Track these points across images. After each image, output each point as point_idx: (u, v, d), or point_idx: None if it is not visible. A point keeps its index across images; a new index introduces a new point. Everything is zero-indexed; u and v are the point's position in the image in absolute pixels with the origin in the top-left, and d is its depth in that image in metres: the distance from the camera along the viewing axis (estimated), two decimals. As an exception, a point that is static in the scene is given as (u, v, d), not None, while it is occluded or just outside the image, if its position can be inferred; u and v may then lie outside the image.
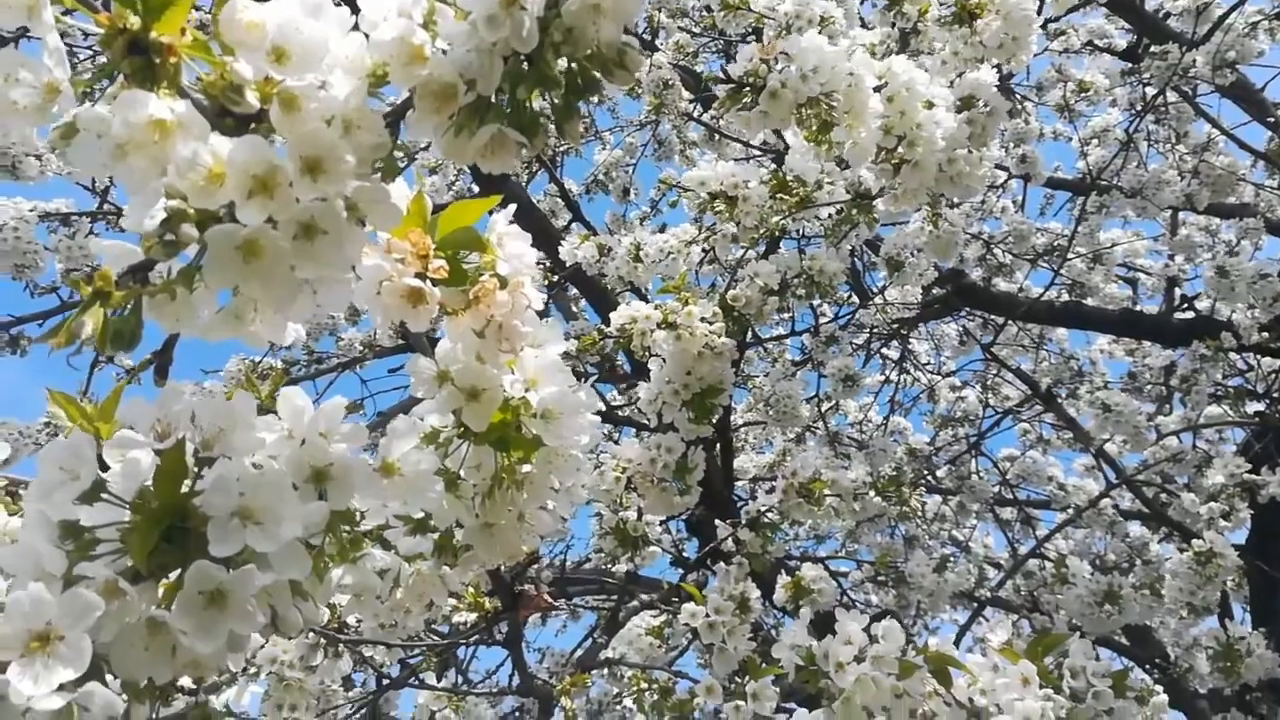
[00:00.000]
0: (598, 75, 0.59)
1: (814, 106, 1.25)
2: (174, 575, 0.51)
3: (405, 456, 0.62)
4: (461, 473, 0.72)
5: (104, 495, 0.49)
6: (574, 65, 0.58)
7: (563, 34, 0.54)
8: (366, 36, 0.54)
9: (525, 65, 0.57)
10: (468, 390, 0.68)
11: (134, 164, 0.44)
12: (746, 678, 1.39)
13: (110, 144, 0.44)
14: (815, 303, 3.23)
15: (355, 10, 0.55)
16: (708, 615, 1.55)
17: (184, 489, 0.50)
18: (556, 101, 0.60)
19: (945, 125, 1.38)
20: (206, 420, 0.51)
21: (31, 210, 2.69)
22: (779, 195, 1.71)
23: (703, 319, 1.61)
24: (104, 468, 0.65)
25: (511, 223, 0.70)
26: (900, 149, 1.36)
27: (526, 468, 0.73)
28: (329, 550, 0.60)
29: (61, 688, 0.43)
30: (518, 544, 0.78)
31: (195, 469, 0.51)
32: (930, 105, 1.36)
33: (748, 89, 1.26)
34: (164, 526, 0.49)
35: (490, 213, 0.69)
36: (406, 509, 0.69)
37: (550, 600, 1.22)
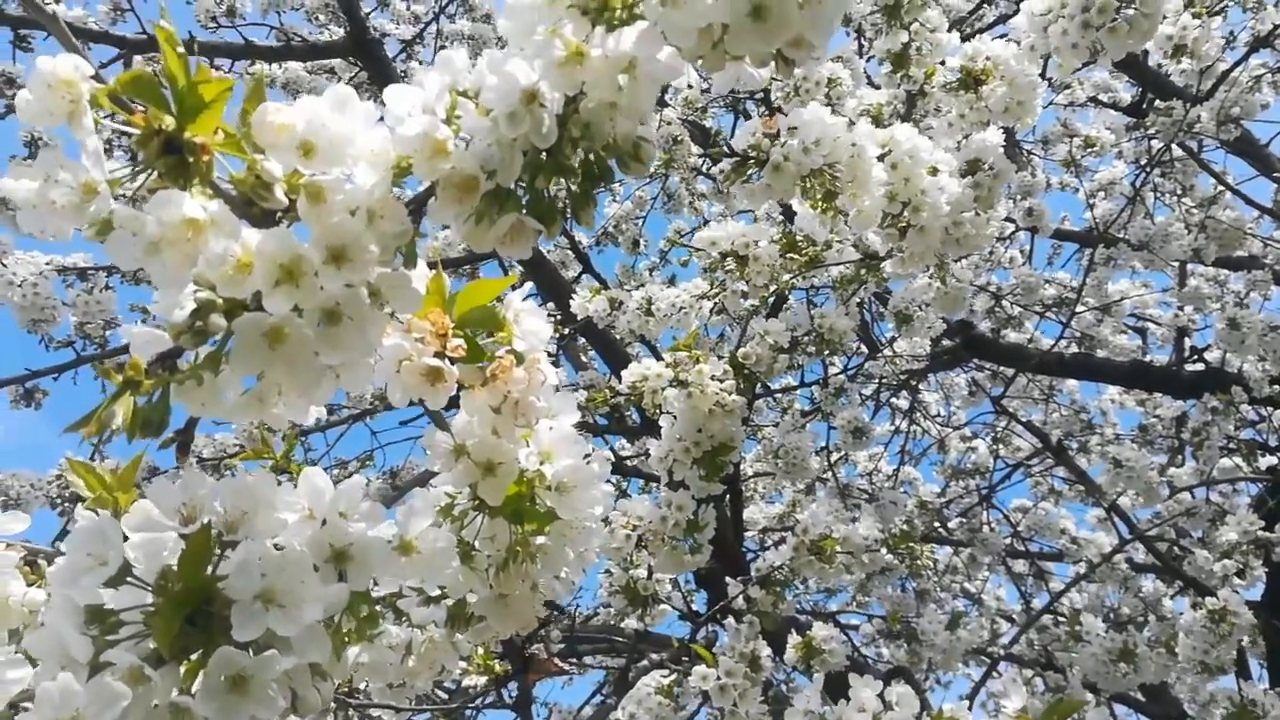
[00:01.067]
0: (612, 165, 0.60)
1: (818, 177, 1.27)
2: (195, 656, 0.52)
3: (423, 534, 0.62)
4: (476, 544, 0.72)
5: (129, 578, 0.50)
6: (590, 155, 0.60)
7: (580, 129, 0.56)
8: (391, 130, 0.55)
9: (543, 156, 0.59)
10: (484, 464, 0.69)
11: (167, 259, 0.46)
12: (758, 742, 1.38)
13: (144, 241, 0.45)
14: (825, 355, 3.24)
15: (381, 104, 0.57)
16: (719, 678, 1.54)
17: (207, 571, 0.51)
18: (573, 189, 0.61)
19: (949, 190, 1.40)
20: (230, 503, 0.52)
21: (48, 264, 2.73)
22: (789, 255, 1.72)
23: (713, 377, 1.62)
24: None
25: (527, 299, 0.72)
26: (905, 214, 1.38)
27: (541, 539, 0.74)
28: (345, 628, 0.60)
29: (86, 776, 0.43)
30: (531, 614, 0.78)
31: (217, 551, 0.52)
32: (935, 171, 1.39)
33: (751, 162, 1.28)
34: (188, 610, 0.49)
35: (506, 290, 0.70)
36: (423, 584, 0.69)
37: (560, 665, 1.22)
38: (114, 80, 0.43)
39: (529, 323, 0.69)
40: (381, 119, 0.55)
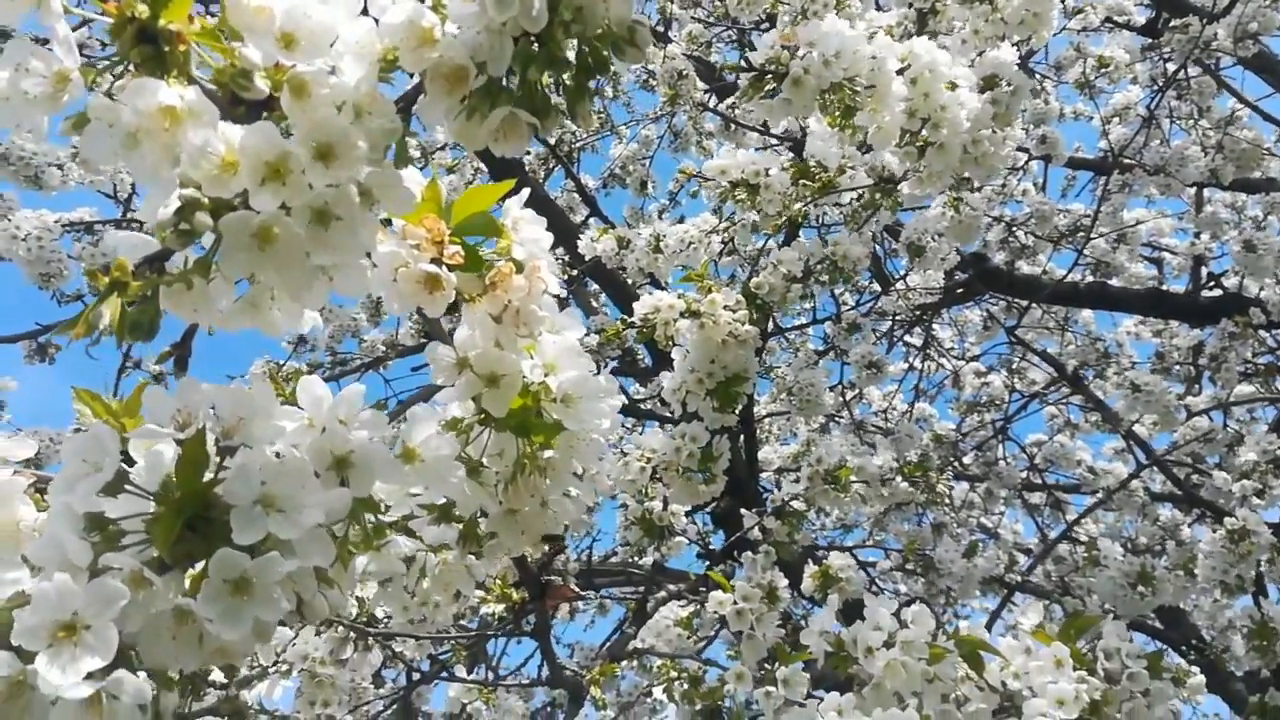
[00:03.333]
0: (608, 54, 0.58)
1: (837, 92, 1.24)
2: (199, 565, 0.51)
3: (426, 442, 0.61)
4: (484, 460, 0.72)
5: (128, 487, 0.49)
6: (584, 45, 0.58)
7: (572, 12, 0.54)
8: (375, 21, 0.53)
9: (535, 46, 0.56)
10: (487, 376, 0.68)
11: (145, 152, 0.44)
12: (776, 664, 1.39)
13: (121, 133, 0.44)
14: (837, 290, 3.21)
15: (364, -5, 0.54)
16: (735, 603, 1.54)
17: (206, 478, 0.50)
18: (568, 82, 0.59)
19: (970, 106, 1.37)
20: (226, 410, 0.51)
21: (56, 221, 2.72)
22: (801, 182, 1.69)
23: (726, 306, 1.60)
24: (129, 462, 0.65)
25: (526, 207, 0.70)
26: (925, 131, 1.35)
27: (548, 453, 0.73)
28: (353, 538, 0.60)
29: (89, 676, 0.43)
30: (542, 529, 0.78)
31: (217, 459, 0.51)
32: (954, 86, 1.35)
33: (769, 77, 1.24)
34: (187, 516, 0.49)
35: (504, 198, 0.68)
36: (429, 496, 0.68)
37: (577, 590, 1.22)
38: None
39: (528, 230, 0.67)
40: (365, 10, 0.53)
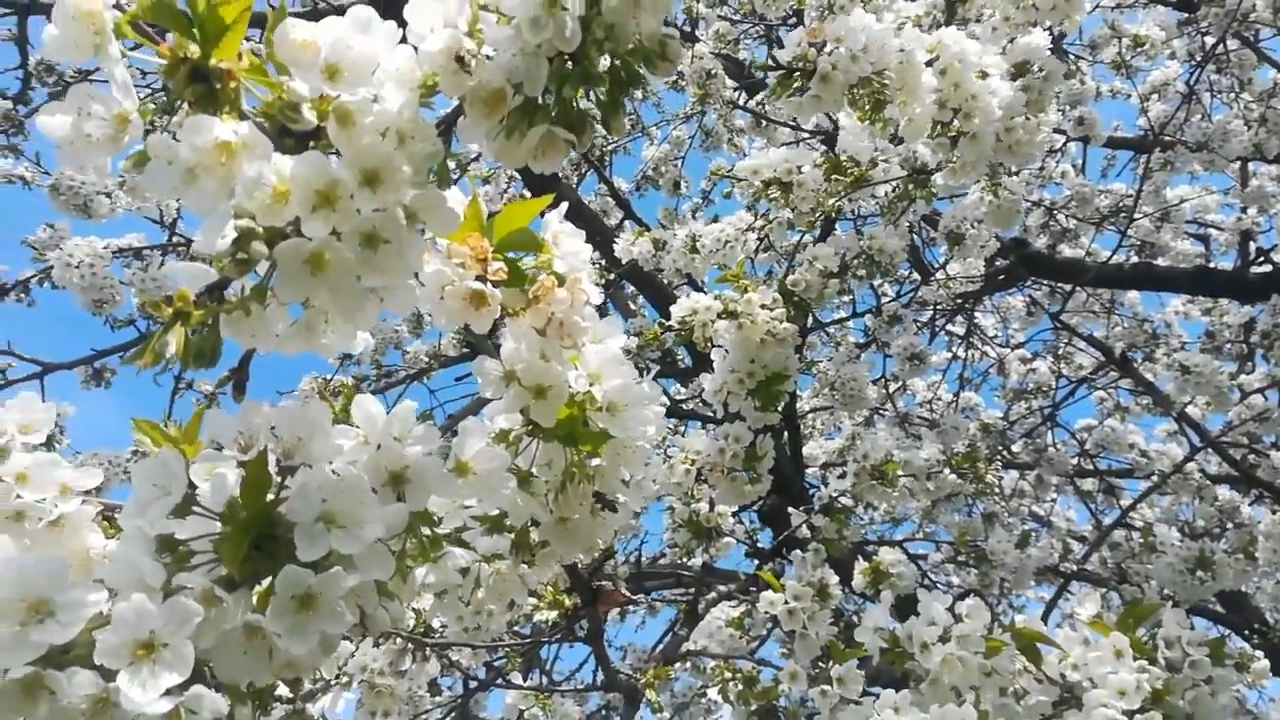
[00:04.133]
0: (640, 68, 0.59)
1: (866, 86, 1.24)
2: (266, 582, 0.53)
3: (477, 455, 0.63)
4: (533, 470, 0.73)
5: (195, 509, 0.51)
6: (616, 60, 0.59)
7: (604, 30, 0.55)
8: (415, 48, 0.55)
9: (569, 64, 0.58)
10: (534, 388, 0.69)
11: (203, 186, 0.46)
12: (830, 662, 1.39)
13: (180, 169, 0.46)
14: (876, 282, 3.19)
15: (403, 24, 0.56)
16: (787, 602, 1.54)
17: (269, 498, 0.52)
18: (602, 97, 0.60)
19: (1001, 94, 1.36)
20: (286, 431, 0.53)
21: (105, 247, 2.79)
22: (834, 177, 1.69)
23: (763, 306, 1.60)
24: (192, 488, 0.68)
25: (565, 221, 0.71)
26: (956, 122, 1.34)
27: (596, 461, 0.74)
28: (410, 551, 0.61)
29: (168, 693, 0.45)
30: (593, 537, 0.79)
31: (278, 478, 0.53)
32: (984, 75, 1.34)
33: (798, 74, 1.25)
34: (253, 535, 0.50)
35: (543, 213, 0.70)
36: (482, 508, 0.70)
37: (628, 594, 1.23)
38: (135, 6, 0.43)
39: (568, 243, 0.68)
40: (404, 39, 0.55)
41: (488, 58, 0.55)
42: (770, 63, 1.30)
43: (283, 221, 0.51)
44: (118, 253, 2.86)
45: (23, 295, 2.94)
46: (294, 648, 0.48)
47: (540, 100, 0.58)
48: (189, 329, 0.49)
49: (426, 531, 0.61)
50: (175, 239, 3.02)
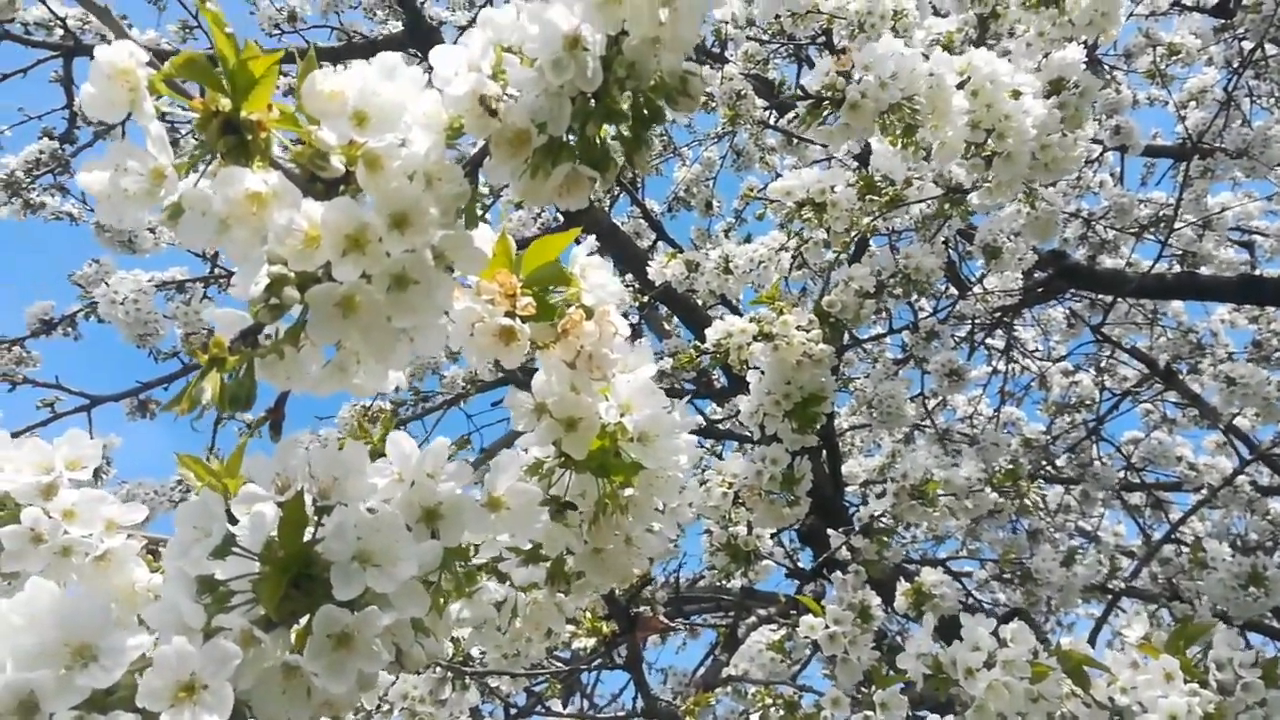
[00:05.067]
0: (662, 105, 0.60)
1: (896, 112, 1.23)
2: (304, 621, 0.54)
3: (510, 489, 0.63)
4: (566, 499, 0.73)
5: (235, 549, 0.52)
6: (639, 96, 0.59)
7: (626, 69, 0.56)
8: (440, 92, 0.56)
9: (592, 102, 0.58)
10: (565, 420, 0.69)
11: (236, 235, 0.47)
12: (873, 688, 1.37)
13: (214, 219, 0.47)
14: (913, 298, 3.16)
15: (429, 68, 0.57)
16: (828, 627, 1.53)
17: (306, 538, 0.53)
18: (625, 133, 0.61)
19: (1035, 113, 1.35)
20: (322, 471, 0.54)
21: (149, 281, 2.85)
22: (868, 196, 1.68)
23: (799, 327, 1.60)
24: (233, 521, 0.69)
25: (592, 253, 0.71)
26: (990, 142, 1.33)
27: (629, 491, 0.74)
28: (445, 586, 0.62)
29: (209, 733, 0.45)
30: (628, 567, 0.79)
31: (315, 517, 0.54)
32: (1017, 94, 1.33)
33: (826, 103, 1.25)
34: (291, 575, 0.51)
35: (573, 244, 0.70)
36: (517, 539, 0.70)
37: (666, 621, 1.23)
38: (168, 64, 0.45)
39: (595, 276, 0.69)
40: (430, 82, 0.56)
41: (511, 99, 0.56)
42: (799, 91, 1.31)
43: (314, 266, 0.52)
44: (160, 286, 2.93)
45: (70, 330, 3.01)
46: (332, 687, 0.49)
47: (564, 138, 0.59)
48: (224, 374, 0.50)
49: (460, 566, 0.62)
50: (216, 271, 3.08)
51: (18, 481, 0.82)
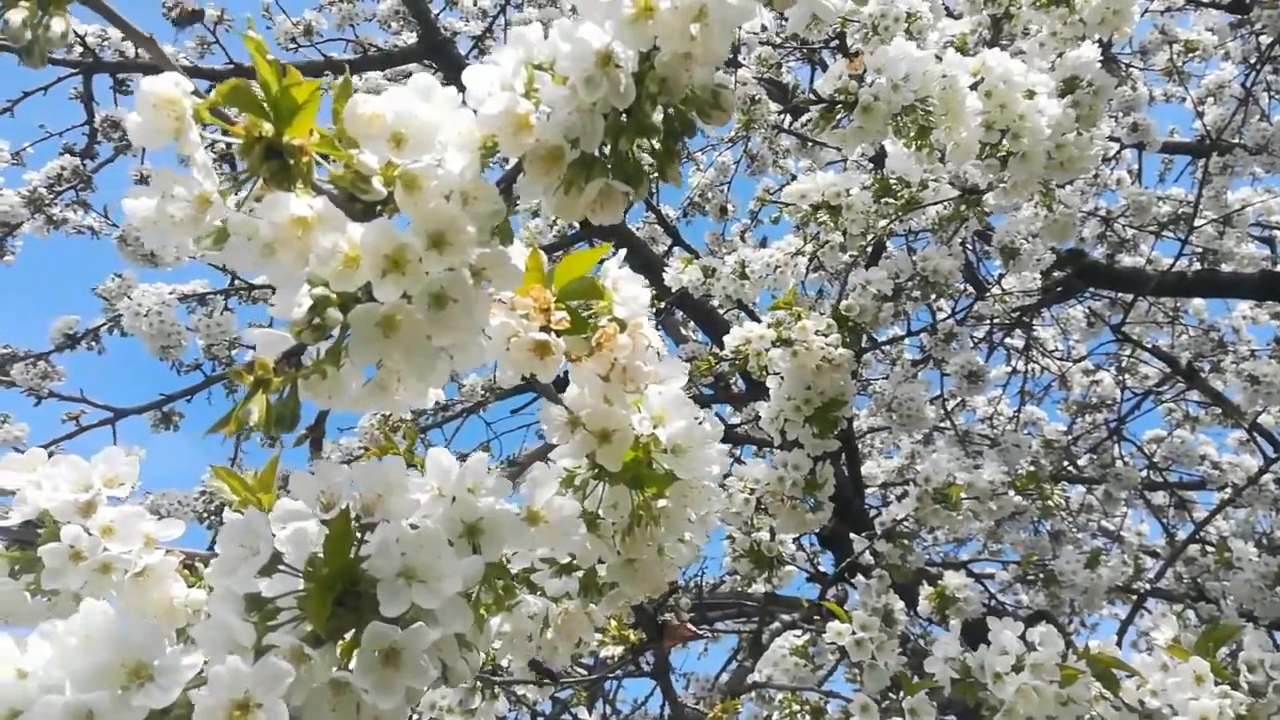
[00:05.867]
0: (694, 118, 0.60)
1: (910, 114, 1.24)
2: (348, 636, 0.54)
3: (549, 504, 0.64)
4: (600, 512, 0.74)
5: (280, 566, 0.53)
6: (670, 110, 0.60)
7: (657, 84, 0.56)
8: (474, 111, 0.56)
9: (624, 117, 0.59)
10: (599, 433, 0.70)
11: (281, 259, 0.48)
12: (901, 694, 1.37)
13: (259, 244, 0.47)
14: (931, 300, 3.15)
15: (462, 88, 0.58)
16: (854, 633, 1.52)
17: (351, 553, 0.53)
18: (656, 147, 0.61)
19: (1049, 113, 1.35)
20: (365, 488, 0.54)
21: (171, 293, 2.88)
22: (883, 199, 1.69)
23: (817, 332, 1.60)
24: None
25: (623, 266, 0.72)
26: (1005, 142, 1.33)
27: (662, 502, 0.75)
28: (485, 600, 0.63)
29: (263, 751, 0.46)
30: (660, 577, 0.79)
31: (358, 534, 0.55)
32: (1031, 94, 1.33)
33: (840, 106, 1.25)
34: (337, 592, 0.52)
35: (602, 260, 0.71)
36: (551, 552, 0.71)
37: (693, 629, 1.23)
38: (213, 93, 0.46)
39: (628, 289, 0.70)
40: (463, 102, 0.57)
41: (544, 116, 0.57)
42: (812, 96, 1.31)
43: (354, 286, 0.53)
44: (182, 298, 2.95)
45: (94, 343, 3.04)
46: (381, 703, 0.49)
47: (596, 154, 0.60)
48: (270, 395, 0.51)
49: (499, 580, 0.62)
50: (237, 283, 3.10)
51: (57, 499, 0.83)
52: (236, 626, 0.49)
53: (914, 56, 1.26)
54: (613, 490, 0.73)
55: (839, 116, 1.27)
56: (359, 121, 0.49)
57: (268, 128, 0.48)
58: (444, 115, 0.55)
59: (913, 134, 1.28)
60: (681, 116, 0.60)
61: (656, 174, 0.62)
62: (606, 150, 0.60)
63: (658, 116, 0.60)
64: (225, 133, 0.49)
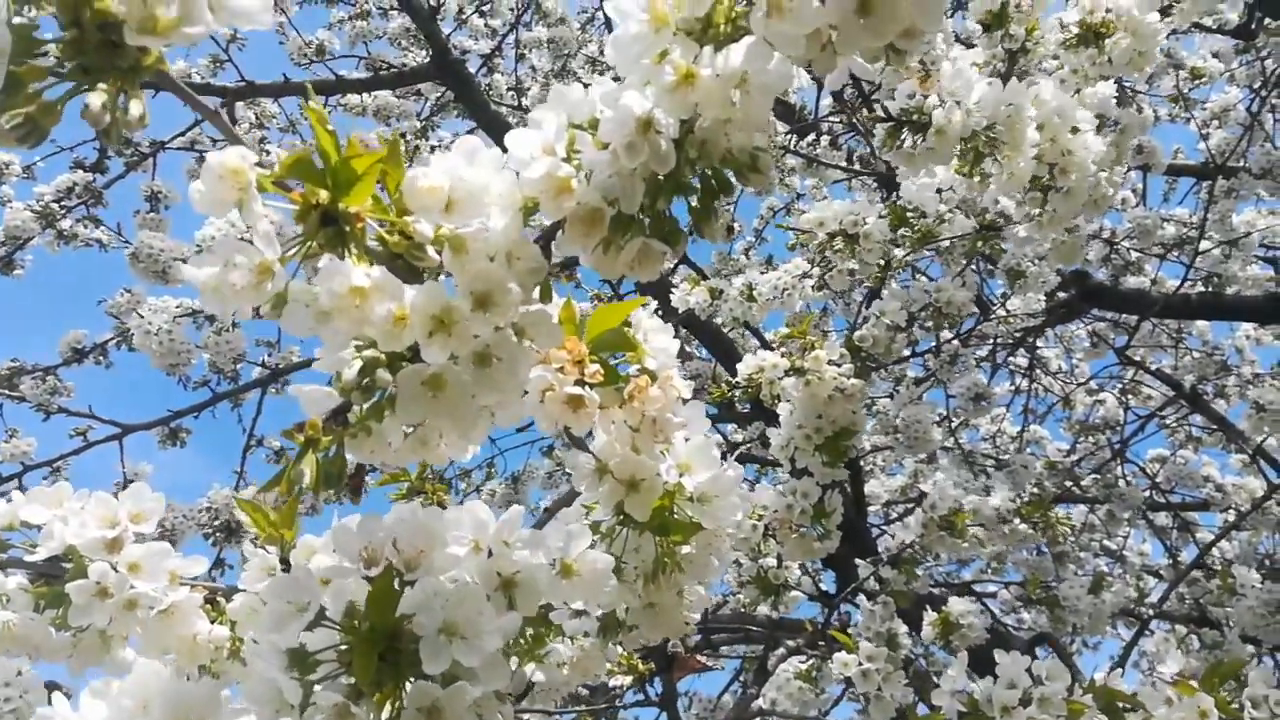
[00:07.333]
0: (731, 178, 0.62)
1: (973, 140, 1.24)
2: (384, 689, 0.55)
3: (582, 556, 0.65)
4: (624, 557, 0.75)
5: (323, 621, 0.54)
6: (708, 171, 0.61)
7: (697, 149, 0.57)
8: (516, 172, 0.58)
9: (662, 178, 0.60)
10: (627, 481, 0.71)
11: (338, 325, 0.49)
12: (910, 724, 1.37)
13: (316, 311, 0.49)
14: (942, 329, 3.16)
15: (504, 149, 0.59)
16: (861, 664, 1.53)
17: (394, 611, 0.54)
18: (694, 205, 0.63)
19: (1095, 149, 1.36)
20: (406, 543, 0.55)
21: (178, 308, 2.89)
22: (900, 230, 1.70)
23: (830, 361, 1.61)
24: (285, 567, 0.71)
25: (653, 316, 0.73)
26: (1053, 176, 1.34)
27: (685, 549, 0.76)
28: (517, 650, 0.63)
29: (311, 808, 0.47)
30: (680, 621, 0.80)
31: (398, 589, 0.56)
32: (1075, 130, 1.34)
33: (906, 126, 1.25)
34: (380, 648, 0.53)
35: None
36: (585, 605, 0.72)
37: (704, 661, 1.24)
38: (277, 166, 0.47)
39: (658, 340, 0.71)
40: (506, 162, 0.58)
41: (584, 179, 0.58)
42: (881, 114, 1.31)
43: (401, 346, 0.54)
44: (191, 314, 2.96)
45: (101, 358, 3.05)
46: (422, 759, 0.50)
47: (635, 214, 0.61)
48: (319, 454, 0.52)
49: (531, 631, 0.63)
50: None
51: (84, 535, 0.84)
52: (285, 685, 0.50)
53: (981, 82, 1.27)
54: (638, 537, 0.74)
55: (904, 136, 1.27)
56: (418, 195, 0.50)
57: (324, 194, 0.49)
58: (489, 177, 0.56)
59: (970, 160, 1.29)
60: (719, 176, 0.62)
61: (694, 231, 0.64)
62: (645, 210, 0.61)
63: (695, 177, 0.61)
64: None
